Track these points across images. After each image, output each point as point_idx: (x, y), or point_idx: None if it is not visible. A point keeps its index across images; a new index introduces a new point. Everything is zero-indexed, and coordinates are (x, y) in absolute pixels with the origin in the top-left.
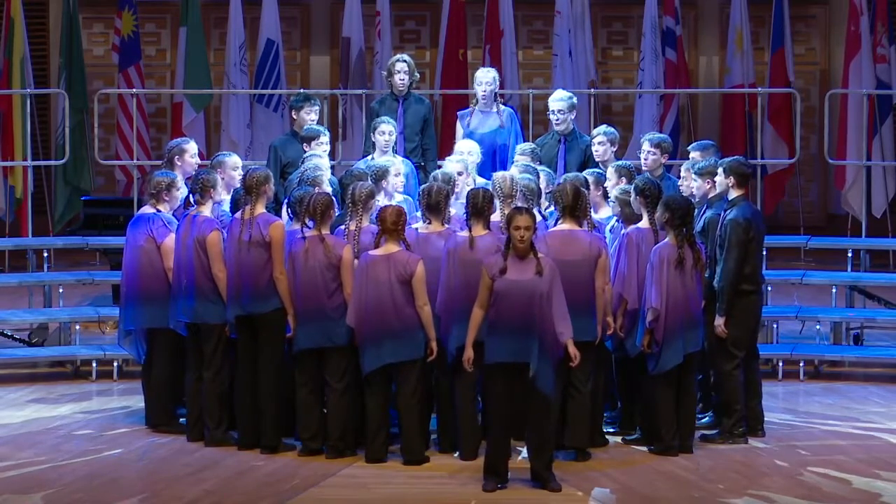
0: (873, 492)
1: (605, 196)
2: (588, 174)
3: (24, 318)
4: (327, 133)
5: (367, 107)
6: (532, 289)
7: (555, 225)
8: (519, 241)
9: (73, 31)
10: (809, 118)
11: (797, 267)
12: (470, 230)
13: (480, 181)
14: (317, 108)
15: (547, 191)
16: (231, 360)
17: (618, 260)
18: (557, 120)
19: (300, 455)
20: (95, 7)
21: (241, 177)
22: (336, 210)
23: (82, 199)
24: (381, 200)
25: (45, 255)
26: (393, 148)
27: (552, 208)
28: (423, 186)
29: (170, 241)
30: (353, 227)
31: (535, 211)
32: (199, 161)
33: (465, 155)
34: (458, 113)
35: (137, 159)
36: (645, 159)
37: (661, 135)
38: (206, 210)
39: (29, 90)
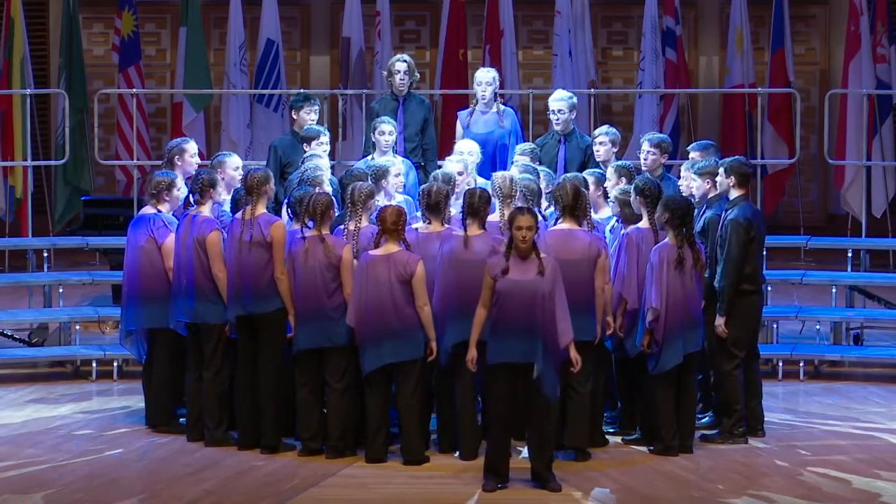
0: (873, 492)
1: (605, 196)
2: (588, 174)
3: (24, 318)
4: (327, 133)
5: (367, 107)
6: (534, 289)
7: (554, 224)
8: (521, 242)
9: (73, 31)
10: (809, 118)
11: (797, 267)
12: (465, 230)
13: (480, 181)
14: (317, 108)
15: (547, 191)
16: (231, 360)
17: (618, 260)
18: (557, 120)
19: (300, 455)
20: (95, 7)
21: (241, 177)
22: (336, 210)
23: (82, 199)
24: (381, 200)
25: (45, 255)
26: (393, 148)
27: (552, 208)
28: (423, 186)
29: (170, 241)
30: (352, 227)
31: (535, 211)
32: (199, 161)
33: (465, 155)
34: (458, 113)
35: (137, 159)
36: (645, 159)
37: (661, 135)
38: (206, 210)
39: (29, 90)
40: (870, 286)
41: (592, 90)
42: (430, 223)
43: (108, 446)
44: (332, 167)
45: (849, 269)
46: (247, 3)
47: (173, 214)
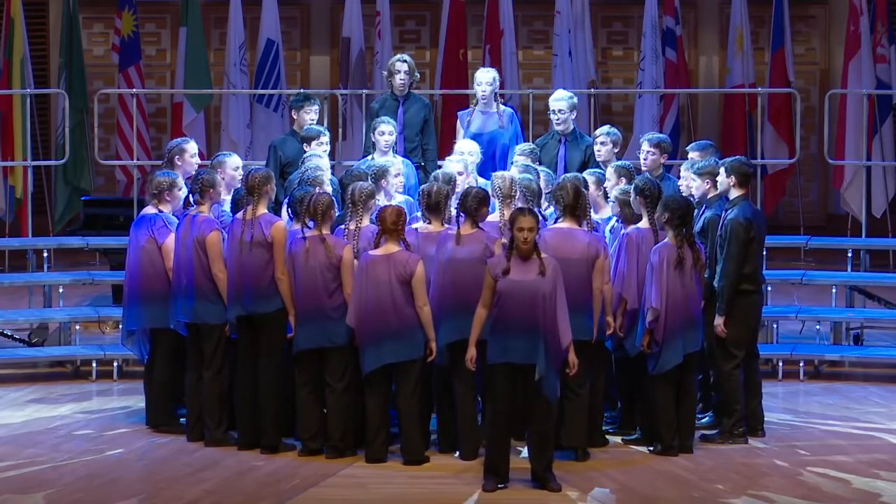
0: (873, 492)
1: (605, 196)
2: (588, 174)
3: (24, 318)
4: (327, 133)
5: (367, 107)
6: (535, 289)
7: (554, 224)
8: (522, 242)
9: (73, 31)
10: (809, 118)
11: (797, 267)
12: (458, 228)
13: (481, 181)
14: (317, 107)
15: (547, 191)
16: (231, 360)
17: (618, 260)
18: (558, 120)
19: (300, 455)
20: (95, 7)
21: (241, 177)
22: (336, 210)
23: (82, 199)
24: (381, 200)
25: (45, 255)
26: (393, 148)
27: (552, 209)
28: (423, 187)
29: (170, 241)
30: (353, 227)
31: (536, 212)
32: (199, 161)
33: (465, 155)
34: (458, 113)
35: (137, 159)
36: (644, 159)
37: (661, 135)
38: (206, 210)
39: (29, 90)
40: (870, 286)
41: (592, 90)
42: (430, 223)
43: (108, 446)
44: (332, 167)
45: (849, 269)
46: (247, 3)
47: (174, 214)
